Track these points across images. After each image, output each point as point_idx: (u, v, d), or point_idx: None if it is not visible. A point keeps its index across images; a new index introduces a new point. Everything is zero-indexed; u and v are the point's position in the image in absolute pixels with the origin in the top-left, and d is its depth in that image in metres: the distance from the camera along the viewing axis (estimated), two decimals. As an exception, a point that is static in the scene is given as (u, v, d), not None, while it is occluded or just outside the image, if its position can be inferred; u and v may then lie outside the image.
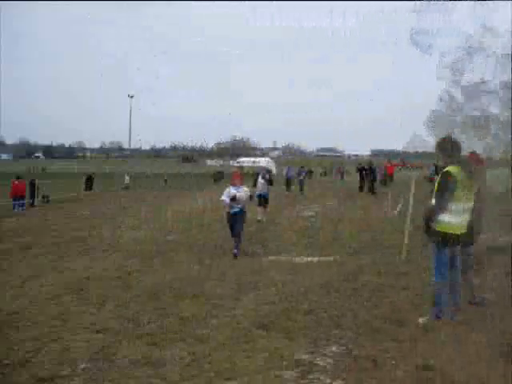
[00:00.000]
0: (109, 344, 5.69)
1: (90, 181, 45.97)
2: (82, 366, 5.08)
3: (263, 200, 17.50)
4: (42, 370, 4.99)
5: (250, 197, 11.77)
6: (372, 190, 28.58)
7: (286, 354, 5.18)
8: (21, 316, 6.91)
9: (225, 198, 11.49)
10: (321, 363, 4.94)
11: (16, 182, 27.90)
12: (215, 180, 60.43)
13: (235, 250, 11.10)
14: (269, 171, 20.57)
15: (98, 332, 6.13)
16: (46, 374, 4.87)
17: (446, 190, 5.85)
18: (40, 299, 7.78)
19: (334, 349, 5.32)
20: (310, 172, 73.93)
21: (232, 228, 11.61)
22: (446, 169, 5.94)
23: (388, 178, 32.86)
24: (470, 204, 6.02)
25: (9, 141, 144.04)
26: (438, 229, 5.95)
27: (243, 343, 5.59)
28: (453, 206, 5.84)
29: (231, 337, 5.82)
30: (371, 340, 5.51)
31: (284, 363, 4.96)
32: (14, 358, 5.32)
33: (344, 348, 5.33)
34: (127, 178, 51.19)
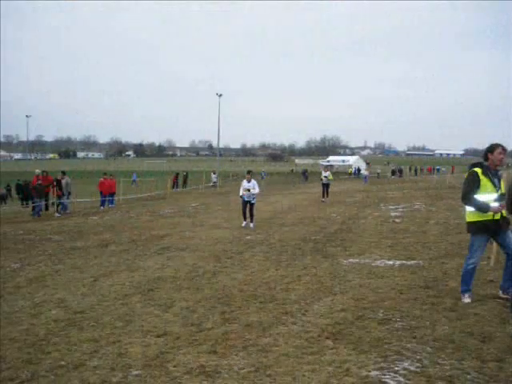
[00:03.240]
0: (167, 350, 5.48)
1: (177, 179, 47.29)
2: (135, 372, 4.86)
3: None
4: (94, 374, 4.87)
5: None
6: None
7: (353, 369, 4.75)
8: (86, 315, 6.90)
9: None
10: (390, 382, 4.44)
11: (102, 180, 28.64)
12: (306, 178, 62.82)
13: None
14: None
15: (158, 336, 5.93)
16: (96, 380, 4.73)
17: None
18: (108, 299, 7.75)
19: (406, 365, 4.80)
20: (400, 171, 73.45)
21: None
22: None
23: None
24: None
25: (101, 140, 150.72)
26: None
27: (309, 354, 5.21)
28: None
29: (297, 347, 5.44)
30: (450, 357, 4.93)
31: (349, 380, 4.51)
32: (69, 360, 5.25)
33: (418, 365, 4.79)
34: (214, 176, 51.99)
